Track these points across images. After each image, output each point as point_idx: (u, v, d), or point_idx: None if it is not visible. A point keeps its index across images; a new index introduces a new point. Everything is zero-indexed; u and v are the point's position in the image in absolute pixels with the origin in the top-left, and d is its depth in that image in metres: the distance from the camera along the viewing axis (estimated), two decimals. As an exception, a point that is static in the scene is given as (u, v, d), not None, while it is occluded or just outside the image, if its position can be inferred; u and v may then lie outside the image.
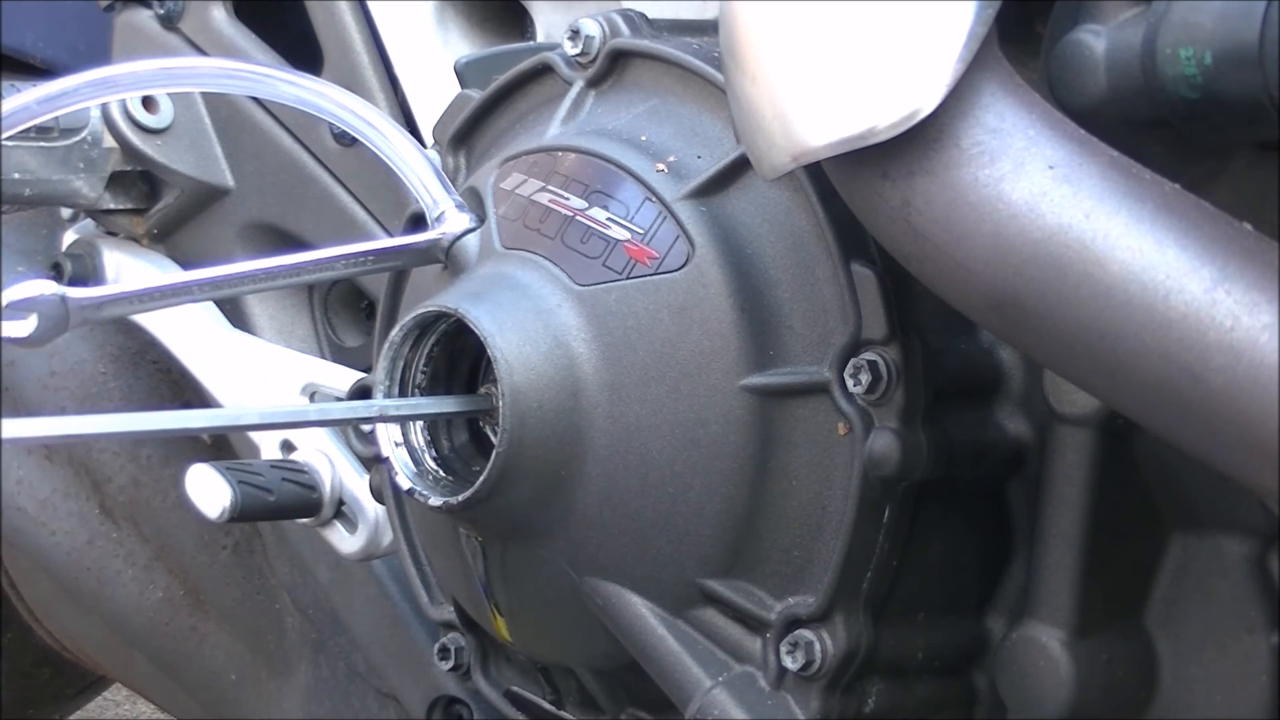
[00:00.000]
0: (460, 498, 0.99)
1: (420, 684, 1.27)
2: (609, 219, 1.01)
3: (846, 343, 0.95)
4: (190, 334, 1.36)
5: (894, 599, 0.98)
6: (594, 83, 1.07)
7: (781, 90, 0.81)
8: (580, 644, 1.06)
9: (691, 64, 1.02)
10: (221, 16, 1.37)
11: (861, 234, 0.93)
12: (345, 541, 1.25)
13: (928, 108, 0.77)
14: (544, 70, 1.10)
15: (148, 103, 1.35)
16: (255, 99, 1.34)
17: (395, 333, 1.02)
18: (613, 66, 1.06)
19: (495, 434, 0.99)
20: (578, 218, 1.02)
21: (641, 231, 0.99)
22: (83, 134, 1.33)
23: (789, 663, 0.97)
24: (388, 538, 1.21)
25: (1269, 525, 0.94)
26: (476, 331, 0.98)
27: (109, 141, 1.35)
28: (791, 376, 0.96)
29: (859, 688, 0.98)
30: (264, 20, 1.37)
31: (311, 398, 1.30)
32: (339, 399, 1.26)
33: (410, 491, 1.02)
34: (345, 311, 1.40)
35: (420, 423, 1.03)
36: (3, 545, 1.52)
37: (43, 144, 1.31)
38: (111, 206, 1.38)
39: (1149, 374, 0.74)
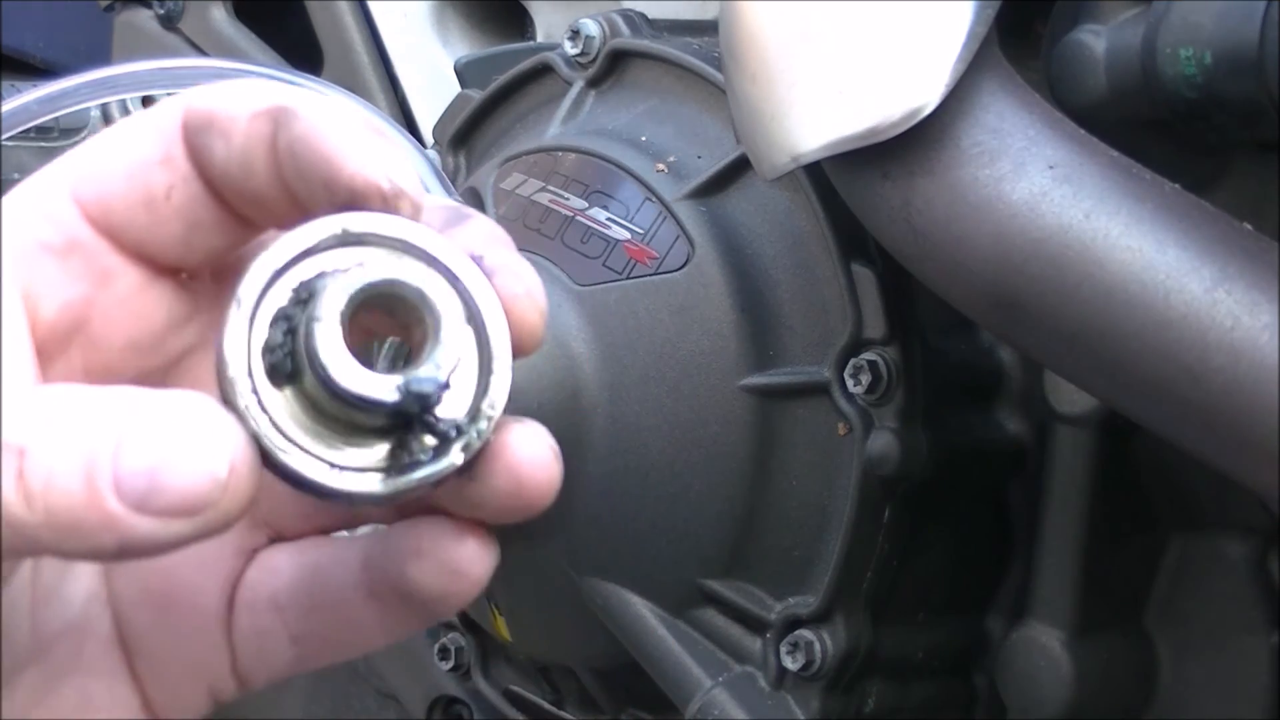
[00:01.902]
0: (460, 498, 0.99)
1: (420, 684, 1.27)
2: (609, 219, 1.01)
3: (846, 343, 0.95)
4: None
5: (894, 599, 0.98)
6: (594, 83, 1.07)
7: (781, 90, 0.81)
8: (580, 644, 1.06)
9: (691, 64, 1.02)
10: (221, 16, 1.37)
11: (861, 234, 0.93)
12: (345, 541, 1.24)
13: (928, 108, 0.77)
14: (544, 70, 1.10)
15: (147, 103, 1.35)
16: (255, 99, 1.34)
17: (395, 333, 1.02)
18: (613, 66, 1.06)
19: (495, 434, 0.98)
20: (578, 218, 1.01)
21: (641, 231, 0.99)
22: (83, 134, 1.33)
23: (789, 663, 0.97)
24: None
25: (1269, 525, 0.93)
26: (476, 331, 0.98)
27: (109, 142, 1.35)
28: (791, 376, 0.96)
29: (859, 688, 0.98)
30: (264, 20, 1.37)
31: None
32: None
33: (410, 491, 1.02)
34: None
35: (420, 423, 1.03)
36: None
37: (43, 144, 1.31)
38: (111, 206, 1.38)
39: (1149, 374, 0.74)
